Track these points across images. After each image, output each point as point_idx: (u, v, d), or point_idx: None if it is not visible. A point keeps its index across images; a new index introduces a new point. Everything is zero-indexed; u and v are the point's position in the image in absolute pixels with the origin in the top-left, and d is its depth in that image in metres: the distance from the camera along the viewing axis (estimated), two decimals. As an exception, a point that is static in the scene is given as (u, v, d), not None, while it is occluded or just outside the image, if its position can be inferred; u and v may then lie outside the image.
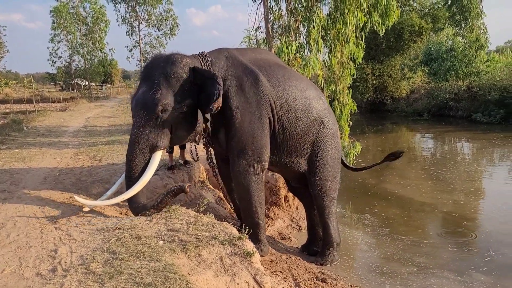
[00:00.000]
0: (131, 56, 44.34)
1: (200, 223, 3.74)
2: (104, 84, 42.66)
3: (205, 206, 4.47)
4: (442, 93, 21.80)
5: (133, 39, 44.48)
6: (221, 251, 3.33)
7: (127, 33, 44.26)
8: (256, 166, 4.70)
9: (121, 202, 4.41)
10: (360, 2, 8.39)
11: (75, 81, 36.27)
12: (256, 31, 9.57)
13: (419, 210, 8.02)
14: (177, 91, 4.31)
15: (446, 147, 15.94)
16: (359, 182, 9.97)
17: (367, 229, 7.05)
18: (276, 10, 9.37)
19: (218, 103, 4.28)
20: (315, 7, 8.15)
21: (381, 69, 24.91)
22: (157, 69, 4.39)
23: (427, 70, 24.18)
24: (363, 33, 9.31)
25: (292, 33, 8.54)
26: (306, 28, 8.39)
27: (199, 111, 4.48)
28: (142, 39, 45.57)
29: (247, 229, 3.88)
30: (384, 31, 9.67)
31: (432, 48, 23.37)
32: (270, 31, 9.26)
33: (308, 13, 8.32)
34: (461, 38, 21.58)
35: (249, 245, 3.49)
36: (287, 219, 6.85)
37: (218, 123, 4.72)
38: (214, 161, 5.38)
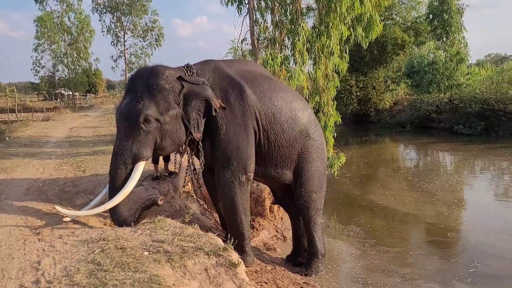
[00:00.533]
0: (116, 66, 44.26)
1: (185, 234, 3.75)
2: (88, 94, 42.28)
3: (190, 217, 4.47)
4: (424, 105, 22.19)
5: (118, 49, 44.36)
6: (206, 261, 3.34)
7: (112, 43, 44.17)
8: (241, 177, 4.74)
9: (104, 212, 4.40)
10: (344, 16, 8.52)
11: (59, 91, 35.90)
12: (241, 43, 9.67)
13: (403, 221, 8.12)
14: (160, 102, 4.36)
15: (428, 158, 16.19)
16: (344, 193, 10.06)
17: (353, 240, 7.10)
18: (261, 23, 9.49)
19: (217, 105, 4.45)
20: (300, 20, 8.28)
21: (365, 81, 25.25)
22: (140, 80, 4.46)
23: (409, 83, 24.62)
24: (347, 46, 9.49)
25: (278, 45, 8.64)
26: (291, 40, 8.50)
27: (182, 122, 4.52)
28: (127, 49, 45.57)
29: (232, 240, 3.89)
30: (367, 44, 9.85)
31: (415, 61, 23.85)
32: (256, 43, 9.35)
33: (293, 26, 8.43)
34: (442, 51, 22.04)
35: (234, 256, 3.51)
36: (272, 230, 6.86)
37: (203, 134, 4.74)
38: (199, 172, 5.39)
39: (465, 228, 7.70)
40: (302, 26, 8.22)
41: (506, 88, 18.85)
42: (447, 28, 21.23)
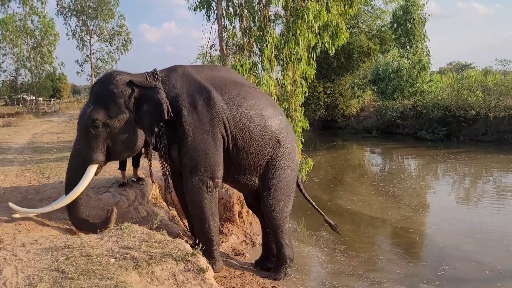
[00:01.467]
0: (82, 71, 43.29)
1: (153, 240, 3.72)
2: (52, 99, 41.13)
3: (158, 223, 4.44)
4: (389, 111, 22.75)
5: (84, 54, 43.50)
6: (174, 267, 3.33)
7: (78, 48, 43.25)
8: (209, 183, 4.73)
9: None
10: (311, 23, 8.67)
11: (21, 96, 34.80)
12: (210, 49, 9.68)
13: (371, 225, 8.25)
14: (109, 107, 4.44)
15: (393, 163, 16.59)
16: (312, 198, 10.10)
17: (322, 245, 7.18)
18: (230, 29, 9.53)
19: (167, 110, 4.42)
20: (268, 27, 8.37)
21: (333, 87, 25.67)
22: (95, 86, 4.69)
23: (375, 89, 25.21)
24: (314, 53, 9.65)
25: (246, 52, 8.70)
26: (259, 47, 8.58)
27: (135, 126, 4.58)
28: (93, 53, 44.73)
29: (201, 245, 3.89)
30: (334, 51, 10.07)
31: (380, 68, 24.43)
32: (225, 49, 9.38)
33: (261, 33, 8.51)
34: (406, 59, 22.69)
35: (203, 261, 3.51)
36: (241, 235, 6.87)
37: (171, 140, 4.75)
38: (167, 177, 5.31)
39: (431, 231, 7.83)
40: (270, 33, 8.32)
41: (466, 95, 19.58)
42: (410, 37, 21.88)
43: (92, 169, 4.53)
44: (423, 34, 22.09)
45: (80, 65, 42.67)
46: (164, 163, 4.82)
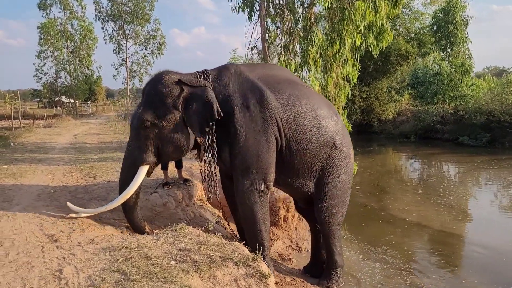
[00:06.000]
0: (118, 74, 44.24)
1: (210, 243, 3.60)
2: (88, 102, 42.13)
3: (213, 226, 4.31)
4: (429, 116, 22.09)
5: (120, 57, 44.48)
6: (235, 272, 3.19)
7: (114, 51, 44.25)
8: (261, 186, 4.55)
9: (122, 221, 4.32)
10: (357, 24, 8.45)
11: (59, 98, 35.81)
12: (252, 50, 9.60)
13: (437, 240, 7.72)
14: (158, 107, 4.38)
15: (435, 169, 15.99)
16: (363, 206, 9.82)
17: (382, 258, 6.74)
18: (273, 30, 9.43)
19: (217, 109, 4.29)
20: (314, 27, 8.19)
21: (368, 91, 25.20)
22: (145, 86, 4.63)
23: (413, 93, 24.53)
24: (358, 54, 9.40)
25: (290, 52, 8.55)
26: (303, 47, 8.40)
27: (185, 126, 4.49)
28: (129, 57, 45.66)
29: (260, 250, 3.74)
30: (378, 52, 9.79)
31: (419, 71, 23.77)
32: (267, 50, 9.27)
33: (306, 33, 8.35)
34: (447, 62, 21.99)
35: (264, 267, 3.36)
36: (287, 240, 6.69)
37: (222, 141, 4.60)
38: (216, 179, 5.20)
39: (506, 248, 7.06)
40: (316, 33, 8.14)
41: (511, 100, 18.76)
42: (451, 39, 21.20)
43: (143, 169, 4.48)
44: (465, 36, 21.37)
45: (116, 69, 43.72)
46: (211, 164, 4.67)
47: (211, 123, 4.43)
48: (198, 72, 4.73)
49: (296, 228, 6.90)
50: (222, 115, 4.36)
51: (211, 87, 4.52)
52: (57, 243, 3.67)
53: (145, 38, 45.11)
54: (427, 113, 22.28)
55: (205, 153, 4.69)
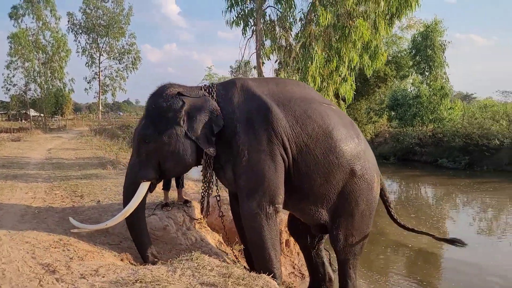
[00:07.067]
0: (90, 88, 43.24)
1: (235, 276, 3.15)
2: (54, 116, 40.56)
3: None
4: (408, 137, 22.30)
5: (93, 71, 43.62)
6: (271, 311, 2.77)
7: (87, 64, 43.40)
8: (269, 209, 4.16)
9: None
10: (355, 43, 8.32)
11: (25, 111, 34.49)
12: (245, 66, 9.33)
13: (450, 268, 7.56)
14: (159, 121, 4.13)
15: (420, 192, 16.07)
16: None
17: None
18: (268, 46, 9.20)
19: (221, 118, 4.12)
20: (313, 44, 7.97)
21: (347, 112, 25.26)
22: (149, 100, 4.36)
23: (393, 115, 24.78)
24: (353, 73, 9.27)
25: (290, 68, 8.30)
26: (302, 64, 8.16)
27: (188, 141, 4.17)
28: (102, 71, 44.71)
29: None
30: (371, 72, 9.70)
31: (399, 94, 24.08)
32: (261, 65, 9.01)
33: (305, 50, 8.13)
34: (425, 85, 22.38)
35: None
36: (289, 266, 6.28)
37: (225, 160, 4.27)
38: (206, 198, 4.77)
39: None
40: (316, 50, 7.91)
41: (489, 124, 19.11)
42: (430, 63, 21.61)
43: (144, 186, 4.17)
44: (443, 60, 21.84)
45: (88, 82, 42.83)
46: (210, 182, 4.41)
47: (215, 132, 4.14)
48: (204, 86, 4.46)
49: (298, 254, 6.49)
50: (225, 127, 4.17)
51: (215, 102, 4.26)
52: (55, 275, 3.14)
53: (120, 52, 44.63)
54: (406, 135, 22.50)
55: (204, 170, 4.36)
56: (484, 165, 18.56)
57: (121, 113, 56.69)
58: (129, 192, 4.20)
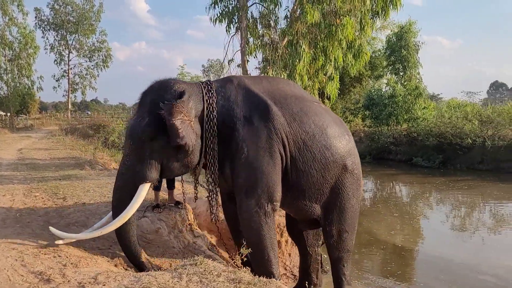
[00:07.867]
0: (58, 86, 41.85)
1: (245, 281, 3.00)
2: (20, 115, 39.07)
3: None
4: (383, 137, 22.57)
5: (62, 69, 42.22)
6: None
7: (55, 62, 41.97)
8: (267, 207, 4.13)
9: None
10: (341, 41, 8.29)
11: (-8, 110, 33.11)
12: (229, 63, 9.16)
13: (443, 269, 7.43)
14: (166, 117, 3.84)
15: (399, 191, 16.21)
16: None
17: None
18: (252, 43, 9.06)
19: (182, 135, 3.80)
20: (301, 41, 7.88)
21: (324, 111, 25.42)
22: (149, 95, 4.06)
23: (368, 114, 25.05)
24: (338, 72, 9.26)
25: (277, 66, 8.17)
26: (290, 62, 8.06)
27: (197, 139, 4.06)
28: (71, 69, 43.35)
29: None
30: (355, 71, 9.71)
31: (374, 93, 24.37)
32: (246, 63, 8.86)
33: (292, 47, 8.03)
34: (400, 85, 22.72)
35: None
36: (281, 268, 6.13)
37: (224, 157, 4.18)
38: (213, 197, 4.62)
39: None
40: (304, 48, 7.82)
41: (462, 124, 19.54)
42: (404, 64, 21.95)
43: (145, 188, 3.91)
44: (417, 61, 22.23)
45: (57, 80, 41.43)
46: (212, 181, 4.25)
47: (212, 138, 4.06)
48: (202, 82, 4.34)
49: (289, 255, 6.38)
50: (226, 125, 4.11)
51: (214, 99, 4.15)
52: (51, 284, 2.92)
53: (90, 49, 43.37)
54: (381, 134, 22.78)
55: (207, 171, 4.24)
56: (457, 164, 18.97)
57: (89, 112, 55.06)
58: (124, 195, 3.90)
